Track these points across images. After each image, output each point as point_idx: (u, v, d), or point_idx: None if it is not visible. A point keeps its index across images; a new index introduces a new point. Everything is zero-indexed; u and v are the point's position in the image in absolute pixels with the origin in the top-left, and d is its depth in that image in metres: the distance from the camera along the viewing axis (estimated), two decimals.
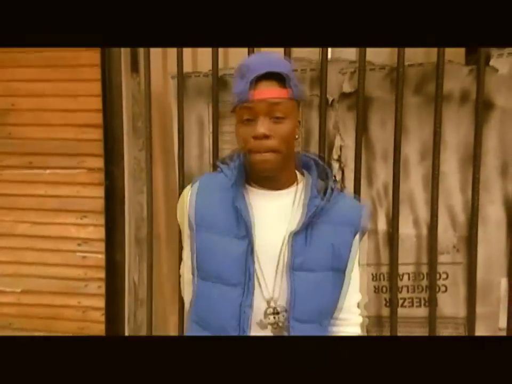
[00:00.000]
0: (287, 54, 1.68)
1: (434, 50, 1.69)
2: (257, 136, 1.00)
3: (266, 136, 0.99)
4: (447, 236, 1.74)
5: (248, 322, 1.03)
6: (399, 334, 1.75)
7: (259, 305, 1.05)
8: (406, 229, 1.75)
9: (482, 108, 1.67)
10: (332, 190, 1.08)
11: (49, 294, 1.97)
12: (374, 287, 1.79)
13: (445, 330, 1.76)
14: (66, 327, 1.98)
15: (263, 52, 1.18)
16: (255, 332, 1.05)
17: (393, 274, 1.73)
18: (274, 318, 1.05)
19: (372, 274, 1.78)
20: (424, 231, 1.75)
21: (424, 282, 1.75)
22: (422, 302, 1.76)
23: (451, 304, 1.75)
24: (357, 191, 1.72)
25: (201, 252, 1.08)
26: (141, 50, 1.90)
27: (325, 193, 1.08)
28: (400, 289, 1.76)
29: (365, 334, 1.12)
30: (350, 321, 1.15)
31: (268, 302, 1.05)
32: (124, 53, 1.92)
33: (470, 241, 1.71)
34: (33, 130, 1.94)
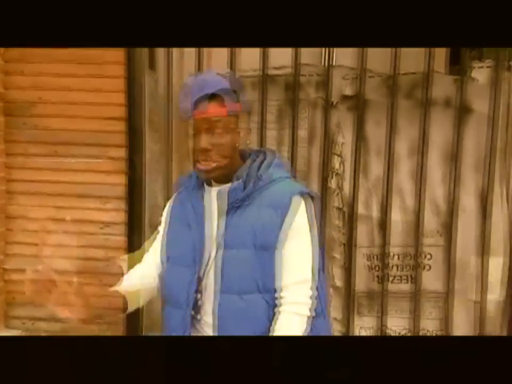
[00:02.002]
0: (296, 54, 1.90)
1: (422, 61, 1.95)
2: (199, 150, 1.17)
3: (207, 150, 1.16)
4: (430, 222, 2.02)
5: (194, 295, 1.21)
6: (388, 307, 2.03)
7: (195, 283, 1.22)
8: (396, 215, 2.02)
9: (462, 112, 1.95)
10: (258, 178, 1.20)
11: (72, 273, 2.13)
12: (368, 266, 2.05)
13: (427, 303, 2.05)
14: (88, 303, 2.14)
15: (204, 73, 1.37)
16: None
17: (384, 254, 2.00)
18: (198, 294, 1.22)
19: (366, 255, 2.04)
20: (411, 217, 2.02)
21: (411, 262, 2.03)
22: (409, 278, 2.04)
23: (433, 281, 2.04)
24: (354, 182, 1.97)
25: (169, 241, 1.30)
26: (160, 49, 2.07)
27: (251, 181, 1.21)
28: (390, 268, 2.03)
29: (308, 314, 1.16)
30: (285, 299, 1.17)
31: (198, 279, 1.21)
32: (143, 52, 2.09)
33: (450, 227, 2.00)
34: (59, 122, 2.09)
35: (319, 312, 1.20)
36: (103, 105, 2.07)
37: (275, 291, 1.18)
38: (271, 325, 1.17)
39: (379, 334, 2.03)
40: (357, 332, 2.06)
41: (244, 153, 1.28)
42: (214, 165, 1.18)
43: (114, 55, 2.04)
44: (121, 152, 2.08)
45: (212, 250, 1.21)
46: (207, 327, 1.22)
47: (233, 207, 1.19)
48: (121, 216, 2.11)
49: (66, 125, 2.09)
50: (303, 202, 1.20)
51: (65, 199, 2.11)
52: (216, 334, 1.20)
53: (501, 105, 1.95)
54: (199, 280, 1.21)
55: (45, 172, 2.11)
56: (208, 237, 1.22)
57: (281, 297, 1.17)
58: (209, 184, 1.26)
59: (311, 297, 1.17)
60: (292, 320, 1.16)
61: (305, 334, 1.16)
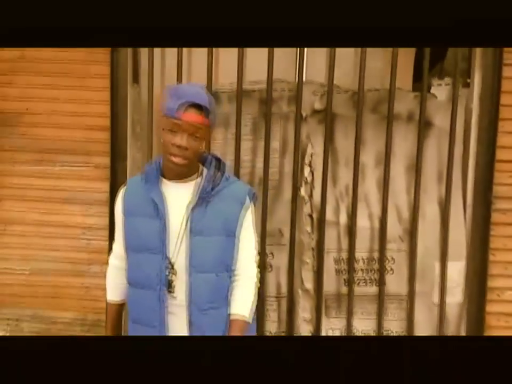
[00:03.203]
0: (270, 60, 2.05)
1: (387, 79, 2.09)
2: (180, 146, 1.36)
3: (185, 148, 1.37)
4: (394, 228, 2.16)
5: (165, 280, 1.42)
6: (354, 309, 2.15)
7: (167, 265, 1.43)
8: (362, 222, 2.15)
9: (423, 126, 2.10)
10: (222, 176, 1.46)
11: (56, 275, 2.24)
12: (335, 269, 2.18)
13: (390, 305, 2.18)
14: (70, 305, 2.25)
15: (197, 84, 1.57)
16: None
17: (350, 259, 2.13)
18: (170, 273, 1.43)
19: (334, 259, 2.17)
20: (377, 224, 2.16)
21: (376, 266, 2.16)
22: (374, 281, 2.17)
23: (396, 284, 2.17)
24: (323, 190, 2.11)
25: (130, 231, 1.48)
26: (143, 64, 2.20)
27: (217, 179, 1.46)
28: (356, 271, 2.16)
29: (258, 283, 1.48)
30: (243, 271, 1.47)
31: (169, 261, 1.43)
32: (127, 66, 2.22)
33: (412, 233, 2.14)
34: (46, 131, 2.21)
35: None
36: (87, 116, 2.19)
37: (233, 268, 1.47)
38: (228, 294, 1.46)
39: (346, 335, 2.16)
40: (324, 333, 2.18)
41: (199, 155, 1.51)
42: (185, 161, 1.39)
43: (99, 69, 2.17)
44: (105, 160, 2.20)
45: (180, 237, 1.41)
46: (178, 305, 1.42)
47: (204, 199, 1.42)
48: (103, 221, 2.22)
49: (52, 134, 2.20)
50: (252, 198, 1.50)
51: (49, 204, 2.22)
52: (189, 308, 1.41)
53: (458, 120, 2.10)
54: (170, 263, 1.42)
55: (30, 178, 2.23)
56: (174, 225, 1.42)
57: (239, 270, 1.47)
58: (168, 179, 1.46)
59: (257, 271, 1.50)
60: (248, 288, 1.47)
61: (255, 300, 1.47)
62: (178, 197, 1.44)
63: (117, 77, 2.17)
